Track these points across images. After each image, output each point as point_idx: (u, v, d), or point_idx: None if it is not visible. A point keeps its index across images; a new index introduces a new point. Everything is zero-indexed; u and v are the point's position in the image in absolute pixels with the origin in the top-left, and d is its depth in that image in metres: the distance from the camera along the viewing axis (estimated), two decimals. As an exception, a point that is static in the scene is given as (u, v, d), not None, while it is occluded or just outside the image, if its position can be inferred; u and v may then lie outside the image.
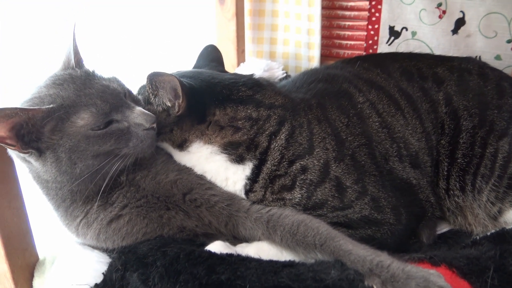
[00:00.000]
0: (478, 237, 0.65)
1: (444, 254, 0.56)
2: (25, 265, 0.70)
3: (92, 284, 0.58)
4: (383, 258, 0.52)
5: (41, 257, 0.73)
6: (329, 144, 0.66)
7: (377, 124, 0.70)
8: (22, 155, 0.56)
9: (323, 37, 1.21)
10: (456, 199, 0.70)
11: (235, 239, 0.65)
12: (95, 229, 0.61)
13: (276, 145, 0.65)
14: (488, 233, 0.65)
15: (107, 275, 0.58)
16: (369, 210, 0.64)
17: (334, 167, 0.65)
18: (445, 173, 0.71)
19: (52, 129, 0.55)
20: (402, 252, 0.68)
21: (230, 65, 1.23)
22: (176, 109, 0.63)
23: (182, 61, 1.22)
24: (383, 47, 1.16)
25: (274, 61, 1.27)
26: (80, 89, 0.58)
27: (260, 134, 0.65)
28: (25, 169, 0.62)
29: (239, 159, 0.65)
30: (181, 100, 0.62)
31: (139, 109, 0.60)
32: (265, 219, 0.61)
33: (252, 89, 0.68)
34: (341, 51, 1.24)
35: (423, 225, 0.70)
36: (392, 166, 0.69)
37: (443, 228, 0.73)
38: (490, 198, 0.68)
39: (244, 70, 1.16)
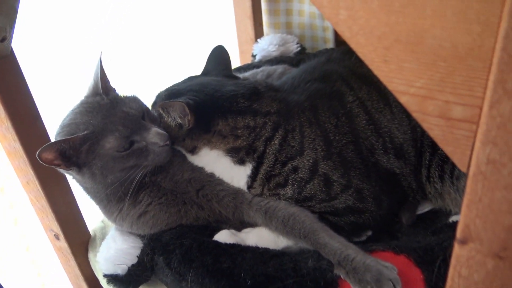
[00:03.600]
0: (447, 222, 0.75)
1: (405, 244, 0.67)
2: (80, 242, 0.89)
3: (129, 264, 0.76)
4: (350, 251, 0.63)
5: (92, 234, 0.91)
6: (318, 145, 0.76)
7: (364, 122, 0.78)
8: (66, 171, 0.71)
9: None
10: (435, 185, 0.79)
11: (242, 224, 0.79)
12: (129, 222, 0.77)
13: (271, 149, 0.76)
14: (453, 221, 0.75)
15: (140, 258, 0.75)
16: (352, 200, 0.75)
17: (322, 165, 0.75)
18: (427, 162, 0.79)
19: (87, 151, 0.69)
20: (385, 231, 0.81)
21: (249, 39, 1.31)
22: (186, 124, 0.75)
23: (201, 41, 1.30)
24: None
25: (290, 32, 1.32)
26: (106, 117, 0.70)
27: (257, 140, 0.76)
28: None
29: (240, 162, 0.77)
30: (189, 116, 0.74)
31: (154, 130, 0.72)
32: (263, 210, 0.74)
33: (250, 99, 0.77)
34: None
35: (404, 208, 0.80)
36: (377, 158, 0.78)
37: (425, 208, 0.83)
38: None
39: (260, 46, 1.23)
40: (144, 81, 1.12)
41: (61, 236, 0.84)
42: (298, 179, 0.75)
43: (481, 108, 0.30)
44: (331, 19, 0.33)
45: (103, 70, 0.75)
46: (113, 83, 0.78)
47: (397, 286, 0.58)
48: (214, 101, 0.76)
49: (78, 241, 0.87)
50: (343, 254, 0.63)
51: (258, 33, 1.30)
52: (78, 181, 0.75)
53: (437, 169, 0.78)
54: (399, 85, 0.33)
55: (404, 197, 0.80)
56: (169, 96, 0.78)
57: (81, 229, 0.88)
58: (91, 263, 0.89)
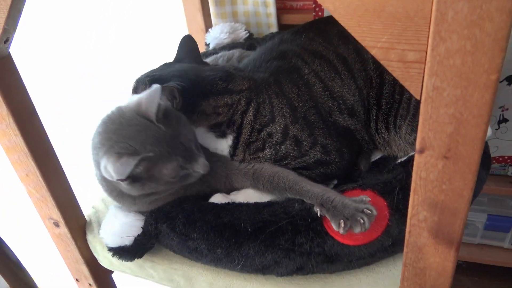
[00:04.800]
0: (396, 163, 0.92)
1: (369, 181, 0.83)
2: (78, 226, 0.95)
3: (135, 235, 0.85)
4: (330, 194, 0.76)
5: (87, 219, 0.99)
6: (286, 112, 0.89)
7: (320, 89, 0.93)
8: (120, 181, 0.75)
9: (277, -8, 1.38)
10: (383, 136, 0.96)
11: (229, 192, 0.90)
12: (131, 201, 0.85)
13: (247, 120, 0.88)
14: (399, 161, 0.92)
15: (145, 228, 0.84)
16: (320, 154, 0.90)
17: (291, 128, 0.89)
18: (374, 117, 0.95)
19: (145, 169, 0.74)
20: (348, 178, 0.96)
21: (200, 29, 1.41)
22: (175, 106, 0.85)
23: (152, 35, 1.38)
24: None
25: (237, 20, 1.44)
26: (168, 146, 0.75)
27: (235, 114, 0.88)
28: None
29: (222, 135, 0.88)
30: (177, 99, 0.84)
31: (202, 160, 0.79)
32: (251, 173, 0.86)
33: (226, 81, 0.89)
34: (294, 3, 1.42)
35: (361, 158, 0.97)
36: (335, 118, 0.93)
37: (377, 156, 1.00)
38: (407, 131, 0.93)
39: (212, 35, 1.34)
40: (98, 71, 1.18)
41: (61, 223, 0.91)
42: (274, 142, 0.88)
43: (426, 52, 0.45)
44: (319, -1, 0.46)
45: (163, 100, 0.79)
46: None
47: (373, 211, 0.72)
48: (196, 85, 0.87)
49: (77, 226, 0.94)
50: (324, 196, 0.76)
51: (207, 23, 1.41)
52: (114, 186, 0.81)
53: (383, 122, 0.95)
54: (370, 41, 0.47)
55: (360, 148, 0.96)
56: (153, 81, 0.88)
57: (78, 215, 0.95)
58: (90, 245, 0.96)
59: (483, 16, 0.41)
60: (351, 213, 0.72)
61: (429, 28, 0.44)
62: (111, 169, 0.72)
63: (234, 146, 0.89)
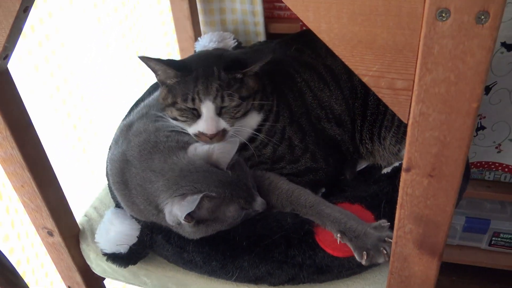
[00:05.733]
0: (382, 173, 0.96)
1: (356, 194, 0.87)
2: (72, 235, 0.97)
3: (131, 244, 0.87)
4: (352, 222, 0.76)
5: (80, 227, 1.00)
6: (286, 113, 0.93)
7: (310, 98, 0.97)
8: (184, 222, 0.76)
9: (265, 2, 1.41)
10: (367, 146, 1.00)
11: None
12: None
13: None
14: (386, 172, 0.96)
15: (140, 237, 0.86)
16: (310, 162, 0.93)
17: (288, 130, 0.92)
18: (359, 127, 0.99)
19: (210, 211, 0.77)
20: (335, 186, 1.00)
21: (189, 37, 1.43)
22: None
23: (139, 43, 1.39)
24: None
25: (225, 29, 1.47)
26: (232, 189, 0.78)
27: None
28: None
29: None
30: None
31: (260, 200, 0.82)
32: (267, 183, 0.88)
33: None
34: (282, 12, 1.45)
35: (347, 166, 1.01)
36: (323, 126, 0.97)
37: (362, 165, 1.04)
38: (391, 142, 0.98)
39: (201, 43, 1.36)
40: (85, 78, 1.19)
41: (56, 232, 0.92)
42: (274, 141, 0.91)
43: (413, 81, 0.49)
44: (315, 30, 0.49)
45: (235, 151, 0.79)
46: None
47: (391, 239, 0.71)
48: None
49: (70, 234, 0.96)
50: (347, 225, 0.76)
51: (196, 31, 1.43)
52: (185, 232, 0.82)
53: (367, 132, 0.99)
54: (362, 70, 0.50)
55: (344, 158, 1.00)
56: None
57: (72, 223, 0.97)
58: (84, 253, 0.98)
59: (465, 51, 0.45)
60: (374, 244, 0.73)
61: (416, 60, 0.47)
62: (177, 210, 0.74)
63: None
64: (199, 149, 0.81)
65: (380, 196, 0.84)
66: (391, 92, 0.51)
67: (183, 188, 0.76)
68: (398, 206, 0.59)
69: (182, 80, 0.84)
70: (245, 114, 0.86)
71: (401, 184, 0.57)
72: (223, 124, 0.83)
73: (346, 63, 0.50)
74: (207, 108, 0.82)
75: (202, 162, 0.78)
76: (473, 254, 1.74)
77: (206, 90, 0.81)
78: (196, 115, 0.84)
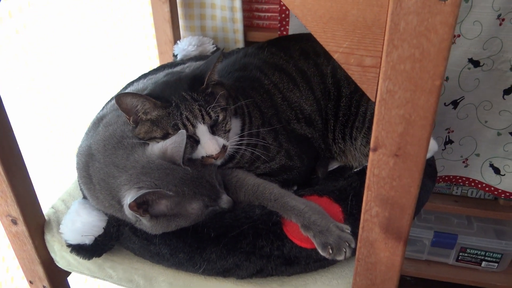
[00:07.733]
0: (352, 172, 0.98)
1: (326, 188, 0.88)
2: (37, 225, 0.94)
3: (96, 235, 0.85)
4: (316, 216, 0.78)
5: (46, 218, 0.97)
6: (257, 114, 0.94)
7: (279, 99, 0.99)
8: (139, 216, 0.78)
9: (245, 10, 1.44)
10: (339, 145, 1.02)
11: None
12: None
13: None
14: (356, 170, 0.98)
15: (106, 229, 0.85)
16: (285, 160, 0.94)
17: (261, 131, 0.93)
18: (332, 128, 1.02)
19: (168, 207, 0.78)
20: (307, 184, 1.01)
21: (168, 41, 1.44)
22: None
23: (119, 45, 1.40)
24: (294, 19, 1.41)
25: (205, 34, 1.49)
26: (195, 187, 0.79)
27: None
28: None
29: None
30: None
31: (226, 197, 0.83)
32: (234, 181, 0.89)
33: None
34: (261, 22, 1.48)
35: (319, 165, 1.02)
36: (293, 126, 0.99)
37: (334, 165, 1.06)
38: (362, 143, 1.00)
39: (180, 47, 1.38)
40: (65, 80, 1.19)
41: (20, 220, 0.89)
42: (254, 142, 0.91)
43: (381, 58, 0.51)
44: (289, 5, 0.51)
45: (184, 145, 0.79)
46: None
47: (351, 245, 0.75)
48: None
49: (35, 224, 0.93)
50: (311, 219, 0.78)
51: (176, 35, 1.44)
52: (145, 226, 0.81)
53: (340, 132, 1.01)
54: (333, 46, 0.52)
55: (317, 156, 1.02)
56: None
57: (38, 213, 0.94)
58: (48, 244, 0.95)
59: (429, 28, 0.47)
60: (336, 242, 0.75)
61: (383, 37, 0.50)
62: (128, 199, 0.75)
63: None
64: (155, 147, 0.81)
65: (348, 190, 0.85)
66: (360, 69, 0.53)
67: (143, 182, 0.77)
68: (365, 188, 0.61)
69: (164, 111, 0.82)
70: (231, 124, 0.87)
71: (368, 165, 0.59)
72: (221, 141, 0.84)
73: (318, 39, 0.52)
74: (201, 132, 0.82)
75: (161, 160, 0.79)
76: (441, 269, 1.76)
77: (192, 115, 0.81)
78: (193, 141, 0.83)
